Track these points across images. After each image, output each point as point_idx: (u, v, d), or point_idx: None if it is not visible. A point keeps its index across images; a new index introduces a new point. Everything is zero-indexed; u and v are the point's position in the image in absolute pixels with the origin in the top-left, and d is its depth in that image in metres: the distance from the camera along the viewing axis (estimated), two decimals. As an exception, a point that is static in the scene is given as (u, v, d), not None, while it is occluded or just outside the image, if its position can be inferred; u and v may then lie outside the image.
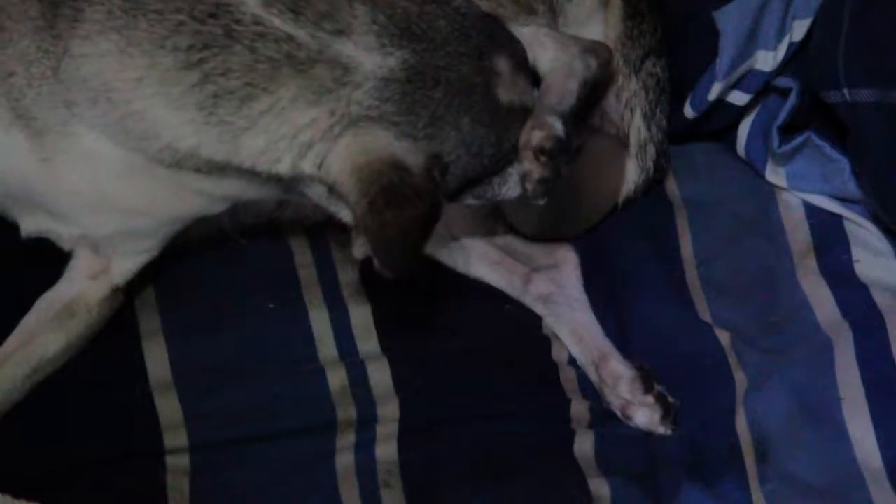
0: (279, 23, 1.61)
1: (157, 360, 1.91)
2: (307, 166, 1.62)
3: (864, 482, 1.79)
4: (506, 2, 1.85)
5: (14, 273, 1.92)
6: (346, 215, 1.65)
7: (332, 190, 1.62)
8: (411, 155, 1.61)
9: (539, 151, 1.70)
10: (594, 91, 1.91)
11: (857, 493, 1.78)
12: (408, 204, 1.59)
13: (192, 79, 1.60)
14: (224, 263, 1.97)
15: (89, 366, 1.88)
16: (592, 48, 1.87)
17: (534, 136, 1.71)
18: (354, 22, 1.62)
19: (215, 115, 1.61)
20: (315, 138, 1.61)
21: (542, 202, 1.74)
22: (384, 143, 1.60)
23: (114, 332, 1.91)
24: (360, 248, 1.60)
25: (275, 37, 1.60)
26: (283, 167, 1.63)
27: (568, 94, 1.79)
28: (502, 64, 1.69)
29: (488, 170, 1.71)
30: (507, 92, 1.69)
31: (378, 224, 1.58)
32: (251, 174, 1.65)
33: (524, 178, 1.72)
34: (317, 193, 1.67)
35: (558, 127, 1.72)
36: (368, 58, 1.61)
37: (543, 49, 1.82)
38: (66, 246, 1.84)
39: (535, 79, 1.80)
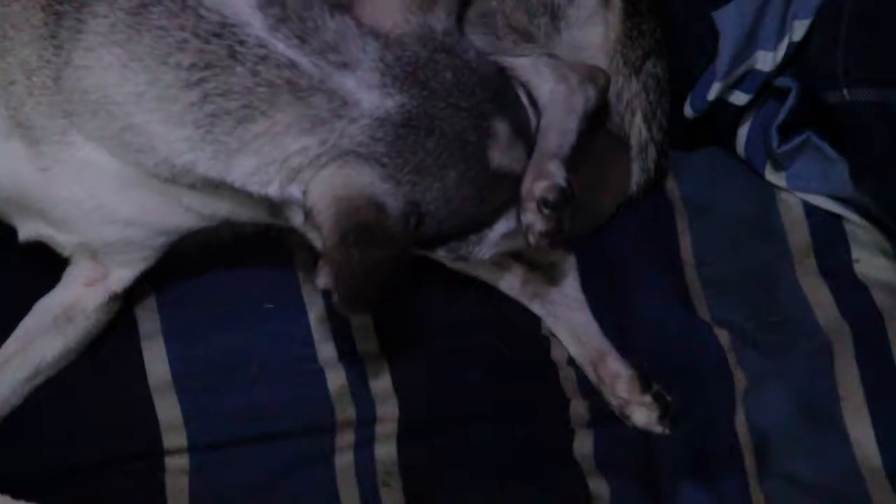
0: (283, 48, 1.61)
1: (156, 361, 1.91)
2: (295, 191, 1.62)
3: (863, 482, 1.79)
4: (504, 31, 1.85)
5: (12, 276, 1.91)
6: (319, 243, 1.64)
7: (307, 216, 1.61)
8: (391, 198, 1.61)
9: (542, 204, 1.70)
10: (593, 117, 1.89)
11: (857, 493, 1.79)
12: (377, 245, 1.58)
13: (192, 97, 1.60)
14: (223, 264, 1.97)
15: (89, 366, 1.88)
16: (590, 76, 1.85)
17: (537, 187, 1.70)
18: (363, 57, 1.62)
19: (211, 133, 1.61)
20: (303, 165, 1.61)
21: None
22: (367, 180, 1.60)
23: (113, 333, 1.90)
24: (323, 279, 1.60)
25: (277, 61, 1.60)
26: (273, 190, 1.63)
27: (568, 133, 1.78)
28: (501, 128, 1.68)
29: (465, 229, 1.71)
30: (500, 156, 1.68)
31: (344, 259, 1.58)
32: (244, 195, 1.66)
33: (526, 230, 1.72)
34: (299, 221, 1.67)
35: (560, 176, 1.71)
36: (368, 95, 1.61)
37: (542, 80, 1.81)
38: (64, 252, 1.83)
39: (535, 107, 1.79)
